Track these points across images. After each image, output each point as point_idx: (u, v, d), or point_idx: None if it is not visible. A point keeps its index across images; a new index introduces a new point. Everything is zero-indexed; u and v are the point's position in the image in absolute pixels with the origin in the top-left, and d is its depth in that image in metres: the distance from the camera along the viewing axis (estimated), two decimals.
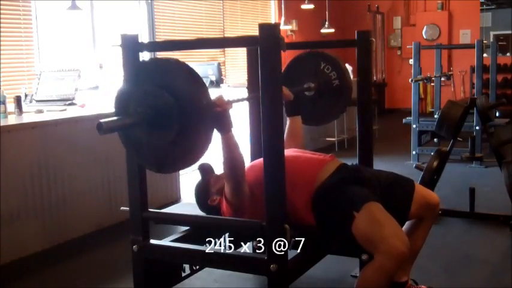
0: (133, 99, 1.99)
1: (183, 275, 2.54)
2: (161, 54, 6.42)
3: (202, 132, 1.93)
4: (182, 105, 1.89)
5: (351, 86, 2.93)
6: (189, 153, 1.96)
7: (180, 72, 1.95)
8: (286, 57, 2.52)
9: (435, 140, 6.55)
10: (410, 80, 5.93)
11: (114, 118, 1.95)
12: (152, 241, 2.31)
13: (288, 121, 2.82)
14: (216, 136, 2.07)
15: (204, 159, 2.35)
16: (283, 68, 2.80)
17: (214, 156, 2.34)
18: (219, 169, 2.40)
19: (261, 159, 2.11)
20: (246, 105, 2.99)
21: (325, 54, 2.98)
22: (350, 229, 2.15)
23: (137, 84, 2.00)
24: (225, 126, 2.11)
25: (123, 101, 2.02)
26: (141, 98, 1.96)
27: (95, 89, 5.00)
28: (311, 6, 8.44)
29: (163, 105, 1.91)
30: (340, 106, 2.99)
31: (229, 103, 2.15)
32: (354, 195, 2.22)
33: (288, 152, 2.47)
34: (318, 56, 2.99)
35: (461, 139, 4.35)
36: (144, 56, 6.18)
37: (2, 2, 4.51)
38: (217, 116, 2.04)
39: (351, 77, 7.25)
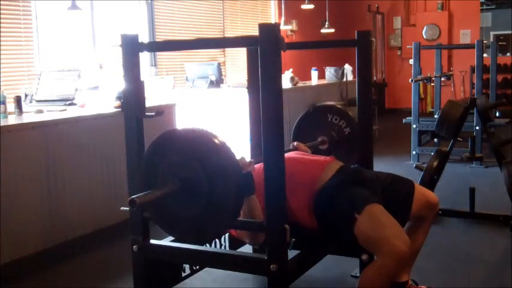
0: (160, 170, 2.03)
1: (183, 275, 2.54)
2: (162, 54, 6.44)
3: (233, 197, 1.96)
4: (210, 173, 1.94)
5: None
6: (220, 219, 1.99)
7: (206, 140, 1.99)
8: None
9: (435, 140, 6.55)
10: (410, 80, 5.93)
11: (146, 192, 1.97)
12: (152, 241, 2.31)
13: None
14: None
15: None
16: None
17: None
18: None
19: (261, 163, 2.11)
20: (246, 105, 2.99)
21: (330, 107, 3.04)
22: (352, 231, 2.15)
23: (164, 155, 2.04)
24: (248, 188, 2.08)
25: (149, 173, 2.07)
26: (168, 169, 2.01)
27: (95, 89, 4.99)
28: (311, 6, 8.44)
29: (192, 175, 1.96)
30: (354, 153, 2.96)
31: (251, 165, 2.15)
32: (355, 197, 2.22)
33: (289, 154, 2.47)
34: (323, 109, 3.06)
35: (461, 139, 4.35)
36: (145, 55, 6.17)
37: (2, 2, 4.50)
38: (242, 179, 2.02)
39: (351, 77, 7.26)
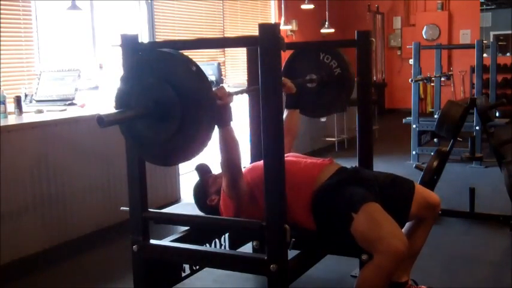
0: (134, 92, 1.97)
1: (183, 275, 2.54)
2: None
3: (204, 125, 1.90)
4: (184, 98, 1.88)
5: (353, 73, 2.87)
6: (190, 145, 1.93)
7: (182, 65, 1.92)
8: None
9: (435, 140, 6.56)
10: (410, 80, 5.94)
11: (115, 111, 1.94)
12: (152, 241, 2.32)
13: (285, 113, 2.77)
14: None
15: (201, 159, 2.36)
16: (283, 63, 2.81)
17: (211, 156, 2.35)
18: (216, 169, 2.40)
19: (261, 161, 2.11)
20: (246, 105, 2.99)
21: (323, 43, 2.97)
22: (349, 230, 2.15)
23: (138, 78, 1.98)
24: (224, 119, 2.11)
25: (124, 95, 2.01)
26: (142, 92, 1.95)
27: (95, 89, 5.00)
28: (311, 6, 8.45)
29: (165, 98, 1.89)
30: (343, 96, 2.95)
31: (231, 96, 2.14)
32: (352, 196, 2.22)
33: (287, 157, 2.47)
34: (316, 47, 2.99)
35: (461, 139, 4.35)
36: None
37: (2, 2, 4.51)
38: (217, 108, 2.01)
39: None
